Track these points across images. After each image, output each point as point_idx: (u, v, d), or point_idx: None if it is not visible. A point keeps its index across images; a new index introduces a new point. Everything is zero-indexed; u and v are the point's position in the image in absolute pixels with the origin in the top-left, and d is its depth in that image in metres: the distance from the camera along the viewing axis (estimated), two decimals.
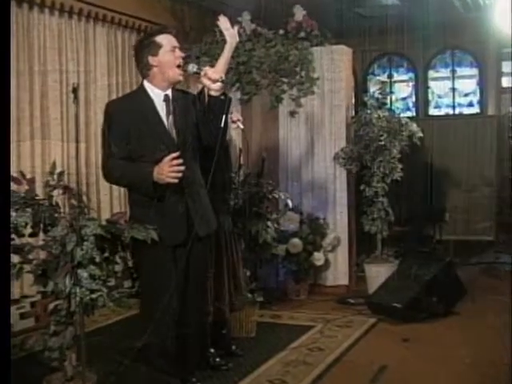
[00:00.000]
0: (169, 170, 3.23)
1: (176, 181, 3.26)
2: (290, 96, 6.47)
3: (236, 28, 3.64)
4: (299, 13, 6.52)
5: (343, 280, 6.38)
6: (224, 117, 3.36)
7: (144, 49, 3.45)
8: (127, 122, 3.37)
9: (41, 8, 5.41)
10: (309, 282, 6.28)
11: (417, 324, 5.15)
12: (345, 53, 6.43)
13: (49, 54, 5.49)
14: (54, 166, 3.37)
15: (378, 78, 10.26)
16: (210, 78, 3.36)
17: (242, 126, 4.47)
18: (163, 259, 3.37)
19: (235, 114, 4.47)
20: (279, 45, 6.42)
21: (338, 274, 6.38)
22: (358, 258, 6.51)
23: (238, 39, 3.60)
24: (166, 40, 3.44)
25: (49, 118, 5.49)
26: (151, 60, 3.42)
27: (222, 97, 3.39)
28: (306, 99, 6.44)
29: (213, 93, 3.39)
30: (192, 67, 3.45)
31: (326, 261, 6.30)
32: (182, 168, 3.26)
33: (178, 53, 3.46)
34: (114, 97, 6.06)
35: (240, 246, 4.67)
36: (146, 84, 3.48)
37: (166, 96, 3.46)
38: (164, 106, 3.45)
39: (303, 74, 6.38)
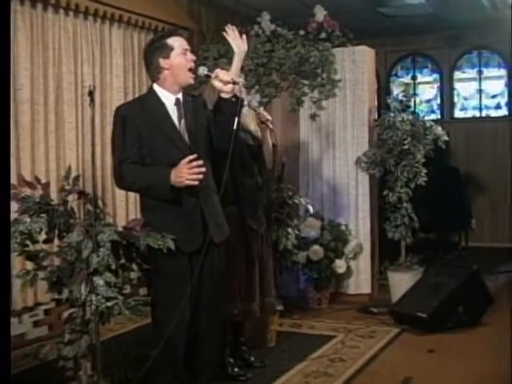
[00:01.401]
0: (188, 172, 3.24)
1: (196, 183, 3.27)
2: (310, 98, 6.48)
3: (244, 37, 3.62)
4: (320, 13, 6.52)
5: (365, 288, 6.37)
6: (236, 119, 3.37)
7: (155, 51, 3.46)
8: (139, 126, 3.38)
9: (55, 9, 5.44)
10: (330, 290, 6.26)
11: (442, 334, 5.12)
12: (367, 54, 6.42)
13: (64, 56, 5.53)
14: (69, 170, 3.39)
15: (401, 79, 10.24)
16: (221, 80, 3.38)
17: (271, 126, 4.48)
18: (178, 266, 3.37)
19: (263, 113, 4.48)
20: (299, 46, 6.42)
21: (361, 282, 6.37)
22: (380, 265, 6.49)
23: (246, 49, 3.59)
24: (177, 42, 3.46)
25: (63, 122, 5.52)
26: (162, 63, 3.44)
27: (234, 99, 3.41)
28: (328, 102, 6.44)
29: (224, 95, 3.42)
30: (203, 70, 3.47)
31: (348, 268, 6.28)
32: (203, 169, 3.27)
33: (190, 56, 3.48)
34: (130, 99, 6.10)
35: (270, 249, 4.67)
36: (157, 87, 3.50)
37: (177, 100, 3.48)
38: (175, 110, 3.47)
39: (324, 75, 6.38)
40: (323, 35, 6.43)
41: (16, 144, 5.07)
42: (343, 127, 6.41)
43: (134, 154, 3.36)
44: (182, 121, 3.46)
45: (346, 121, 6.39)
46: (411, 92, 9.70)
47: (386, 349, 4.96)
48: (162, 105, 3.46)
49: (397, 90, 9.71)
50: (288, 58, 6.43)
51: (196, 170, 3.25)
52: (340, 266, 6.15)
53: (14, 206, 3.83)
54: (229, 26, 3.59)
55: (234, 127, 3.38)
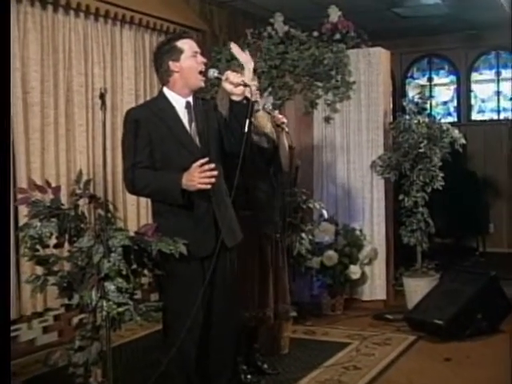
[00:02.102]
0: (200, 175, 3.24)
1: (208, 187, 3.27)
2: (324, 101, 6.48)
3: (247, 52, 3.69)
4: (334, 13, 6.52)
5: (381, 294, 6.35)
6: (247, 121, 3.38)
7: (164, 54, 3.47)
8: (150, 130, 3.39)
9: (66, 10, 5.46)
10: (344, 296, 6.26)
11: (460, 342, 5.09)
12: (382, 55, 6.42)
13: (74, 58, 5.55)
14: (80, 174, 3.40)
15: (417, 81, 10.22)
16: (231, 83, 3.39)
17: (286, 129, 4.48)
18: (190, 271, 3.38)
19: (278, 116, 4.49)
20: (313, 47, 6.43)
21: (376, 288, 6.36)
22: (396, 271, 6.47)
23: (252, 62, 3.65)
24: (187, 45, 3.47)
25: (74, 125, 5.54)
26: (172, 65, 3.45)
27: (245, 101, 3.41)
28: (342, 104, 6.44)
29: (235, 97, 3.42)
30: (213, 72, 3.47)
31: (363, 274, 6.27)
32: (215, 173, 3.27)
33: (200, 58, 3.49)
34: (141, 102, 6.12)
35: (285, 255, 4.67)
36: (167, 91, 3.50)
37: (188, 103, 3.49)
38: (186, 113, 3.48)
39: (339, 77, 6.38)
40: (337, 36, 6.43)
41: (26, 147, 5.10)
42: (358, 130, 6.40)
43: (145, 158, 3.37)
44: (193, 124, 3.47)
45: (361, 124, 6.39)
46: (427, 94, 9.68)
47: (402, 356, 4.94)
48: (173, 108, 3.47)
49: (412, 92, 9.68)
50: (302, 60, 6.44)
51: (208, 173, 3.25)
52: (354, 271, 6.14)
53: (24, 210, 3.86)
54: (232, 42, 3.72)
55: (246, 130, 3.39)
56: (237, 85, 3.39)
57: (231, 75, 3.41)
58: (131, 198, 6.01)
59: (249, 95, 3.45)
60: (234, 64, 6.27)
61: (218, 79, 3.49)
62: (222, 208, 3.49)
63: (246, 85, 3.40)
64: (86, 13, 5.64)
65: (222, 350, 3.57)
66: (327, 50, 6.36)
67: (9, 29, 4.70)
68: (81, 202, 3.38)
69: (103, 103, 3.21)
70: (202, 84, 3.51)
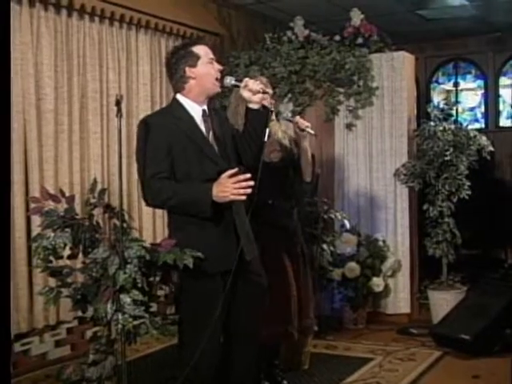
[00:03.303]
0: (235, 186, 3.19)
1: (243, 197, 3.23)
2: (346, 107, 6.48)
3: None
4: (357, 17, 6.53)
5: (405, 308, 6.33)
6: (266, 130, 3.39)
7: (180, 60, 3.45)
8: (169, 139, 3.37)
9: (80, 14, 5.52)
10: (367, 309, 6.24)
11: (488, 358, 5.06)
12: (406, 59, 6.41)
13: (89, 64, 5.60)
14: (94, 182, 3.42)
15: (442, 86, 10.18)
16: (250, 90, 3.40)
17: (312, 132, 4.48)
18: (211, 286, 3.37)
19: (300, 120, 4.49)
20: (335, 52, 6.43)
21: (399, 301, 6.33)
22: (420, 283, 6.45)
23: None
24: (203, 51, 3.48)
25: (88, 132, 5.58)
26: (189, 71, 3.44)
27: (262, 109, 3.43)
28: (364, 111, 6.44)
29: (253, 105, 3.43)
30: (230, 80, 3.48)
31: (386, 287, 6.26)
32: (252, 183, 3.22)
33: (217, 66, 3.49)
34: (157, 108, 6.14)
35: (308, 268, 4.67)
36: (181, 98, 3.49)
37: (204, 111, 3.49)
38: (203, 121, 3.48)
39: (361, 83, 6.38)
40: (360, 40, 6.44)
41: (39, 155, 5.14)
42: (381, 137, 6.40)
43: (166, 169, 3.33)
44: (211, 133, 3.47)
45: (384, 131, 6.38)
46: (453, 99, 9.64)
47: (427, 373, 4.92)
48: (191, 117, 3.46)
49: (438, 98, 9.67)
50: (322, 65, 6.44)
51: (244, 184, 3.20)
52: (377, 284, 6.12)
53: (37, 220, 3.90)
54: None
55: (265, 139, 3.39)
56: (255, 92, 3.40)
57: (250, 82, 3.42)
58: (147, 208, 6.03)
59: (266, 103, 3.45)
60: (252, 69, 6.34)
61: (236, 86, 3.50)
62: (241, 219, 3.48)
63: (264, 92, 3.41)
64: (101, 17, 5.70)
65: (243, 367, 3.56)
66: (349, 55, 6.36)
67: (9, 29, 4.75)
68: (95, 211, 3.39)
69: (119, 110, 3.22)
70: (219, 89, 3.51)
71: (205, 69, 3.45)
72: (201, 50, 3.48)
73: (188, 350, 3.40)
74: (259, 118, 3.43)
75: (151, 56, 6.21)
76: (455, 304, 5.73)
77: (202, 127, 3.47)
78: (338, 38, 6.54)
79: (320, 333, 5.36)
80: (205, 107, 3.51)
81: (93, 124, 5.62)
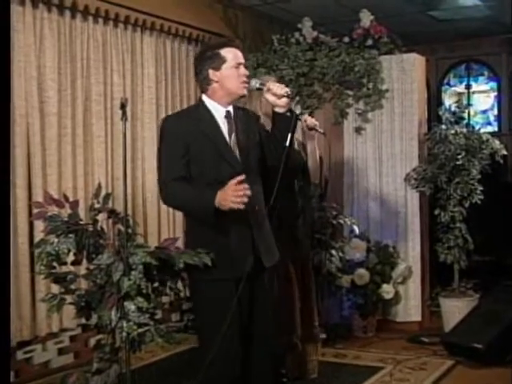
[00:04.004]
0: (233, 194, 3.19)
1: (241, 206, 3.21)
2: (355, 110, 6.49)
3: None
4: (366, 18, 6.54)
5: (415, 316, 6.32)
6: (290, 135, 3.37)
7: (205, 61, 3.45)
8: (188, 140, 3.38)
9: (84, 16, 5.53)
10: (377, 317, 6.24)
11: (501, 368, 5.04)
12: (417, 61, 6.42)
13: (93, 66, 5.61)
14: (99, 187, 3.44)
15: (454, 88, 10.18)
16: (274, 94, 3.38)
17: (321, 131, 4.46)
18: (224, 293, 3.34)
19: (309, 119, 4.48)
20: (344, 54, 6.44)
21: (410, 308, 6.33)
22: (432, 291, 6.44)
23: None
24: (231, 54, 3.44)
25: (92, 136, 5.60)
26: (212, 74, 3.43)
27: (288, 113, 3.41)
28: (374, 114, 6.45)
29: (278, 109, 3.41)
30: (255, 83, 3.45)
31: (396, 294, 6.25)
32: (248, 193, 3.21)
33: (243, 70, 3.46)
34: (162, 111, 6.18)
35: (312, 275, 4.68)
36: (206, 99, 3.49)
37: (228, 112, 3.47)
38: (226, 123, 3.46)
39: (370, 85, 6.38)
40: (369, 42, 6.44)
41: (42, 159, 5.16)
42: (391, 141, 6.40)
43: (182, 170, 3.36)
44: (233, 135, 3.45)
45: (394, 134, 6.38)
46: (465, 102, 9.56)
47: (439, 383, 4.92)
48: (212, 117, 3.46)
49: (449, 101, 9.66)
50: (331, 67, 6.45)
51: (241, 192, 3.18)
52: (387, 291, 6.12)
53: (40, 225, 3.91)
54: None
55: (287, 144, 3.37)
56: (280, 96, 3.38)
57: (274, 86, 3.39)
58: (152, 212, 6.06)
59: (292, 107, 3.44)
60: (259, 72, 6.36)
61: (260, 89, 3.49)
62: (260, 225, 3.47)
63: (289, 96, 3.39)
64: (105, 18, 5.71)
65: (259, 375, 3.56)
66: (358, 57, 6.37)
67: (9, 29, 4.78)
68: (100, 216, 3.41)
69: (124, 113, 3.25)
70: (245, 91, 3.47)
71: (229, 73, 3.42)
72: (229, 53, 3.44)
73: (202, 354, 3.41)
74: (284, 122, 3.41)
75: (156, 58, 6.21)
76: (467, 312, 5.72)
77: (224, 129, 3.45)
78: (346, 39, 6.55)
79: (329, 341, 5.37)
80: (229, 108, 3.49)
81: (97, 127, 5.63)
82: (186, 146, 3.37)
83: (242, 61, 3.48)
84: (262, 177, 3.54)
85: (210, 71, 3.42)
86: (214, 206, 3.23)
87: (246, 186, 3.20)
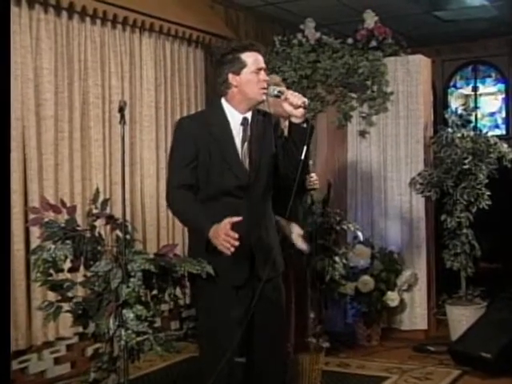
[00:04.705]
0: (223, 238, 3.21)
1: (229, 253, 3.23)
2: (359, 113, 6.50)
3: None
4: (370, 19, 6.55)
5: (421, 324, 6.33)
6: (306, 148, 3.35)
7: (225, 64, 3.45)
8: (199, 145, 3.40)
9: (82, 17, 5.53)
10: (381, 325, 6.25)
11: (510, 378, 5.04)
12: (422, 63, 6.43)
13: (90, 68, 5.61)
14: (97, 192, 3.44)
15: (460, 91, 10.19)
16: (291, 103, 3.37)
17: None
18: (223, 301, 3.39)
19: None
20: (347, 55, 6.46)
21: (416, 316, 6.33)
22: (438, 298, 6.45)
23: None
24: (252, 59, 3.43)
25: (90, 139, 5.60)
26: (231, 78, 3.43)
27: (304, 124, 3.39)
28: (378, 117, 6.46)
29: (294, 119, 3.39)
30: (273, 90, 3.44)
31: (402, 301, 6.26)
32: (237, 244, 3.21)
33: (263, 76, 3.45)
34: (161, 115, 6.20)
35: (308, 285, 4.69)
36: (224, 103, 3.50)
37: (245, 119, 3.48)
38: (240, 131, 3.47)
39: (375, 88, 6.40)
40: (373, 43, 6.46)
41: (39, 164, 5.16)
42: (396, 145, 6.41)
43: (187, 176, 3.40)
44: (246, 144, 3.46)
45: (399, 138, 6.39)
46: (472, 105, 9.64)
47: None
48: (227, 124, 3.46)
49: (456, 103, 9.67)
50: (334, 69, 6.47)
51: (231, 241, 3.20)
52: (392, 298, 6.12)
53: (37, 231, 3.91)
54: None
55: (302, 157, 3.36)
56: (297, 106, 3.37)
57: (291, 96, 3.37)
58: (151, 218, 6.06)
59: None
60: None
61: (278, 97, 3.47)
62: (264, 237, 3.49)
63: (306, 107, 3.37)
64: (103, 19, 5.71)
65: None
66: (362, 59, 6.39)
67: (9, 29, 4.78)
68: (98, 222, 3.41)
69: (122, 117, 3.25)
70: (264, 97, 3.46)
71: (248, 78, 3.42)
72: (250, 57, 3.44)
73: (202, 361, 3.49)
74: (300, 133, 3.39)
75: (155, 60, 6.22)
76: (475, 320, 5.71)
77: (238, 137, 3.46)
78: (350, 40, 6.57)
79: (332, 350, 5.35)
80: (247, 115, 3.49)
81: (94, 131, 5.63)
82: (196, 151, 3.40)
83: (263, 65, 3.47)
84: (273, 186, 3.55)
85: (230, 75, 3.43)
86: (208, 237, 3.28)
87: (236, 235, 3.20)
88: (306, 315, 4.59)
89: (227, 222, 3.22)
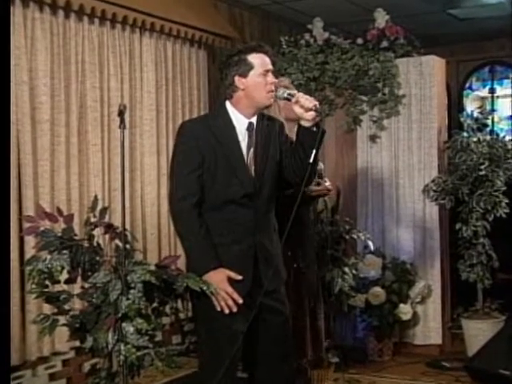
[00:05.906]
0: (223, 296, 3.33)
1: (227, 311, 3.35)
2: (370, 117, 6.51)
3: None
4: (381, 18, 6.56)
5: (435, 338, 6.32)
6: (315, 152, 3.38)
7: (232, 66, 3.48)
8: (203, 151, 3.42)
9: (79, 16, 5.54)
10: (393, 339, 6.24)
11: None
12: (436, 64, 6.43)
13: (88, 70, 5.62)
14: (95, 200, 3.45)
15: (476, 93, 10.19)
16: (302, 106, 3.39)
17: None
18: (226, 313, 3.41)
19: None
20: (357, 56, 6.47)
21: (429, 330, 6.33)
22: (453, 311, 6.43)
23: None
24: (259, 60, 3.47)
25: (87, 144, 5.60)
26: (238, 81, 3.46)
27: (314, 128, 3.42)
28: (390, 121, 6.46)
29: (304, 123, 3.42)
30: (283, 92, 3.47)
31: (415, 314, 6.26)
32: (234, 310, 3.34)
33: (271, 78, 3.48)
34: (163, 118, 6.20)
35: (320, 295, 4.70)
36: (229, 107, 3.53)
37: (250, 124, 3.51)
38: (246, 136, 3.50)
39: (386, 90, 6.41)
40: (385, 44, 6.46)
41: (34, 170, 5.16)
42: (408, 150, 6.41)
43: (191, 185, 3.42)
44: (252, 150, 3.49)
45: (412, 143, 6.40)
46: (489, 107, 9.64)
47: None
48: (233, 129, 3.49)
49: (471, 106, 9.67)
50: (344, 71, 6.47)
51: (230, 302, 3.34)
52: (405, 311, 6.12)
53: (32, 241, 3.92)
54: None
55: (311, 161, 3.39)
56: (308, 109, 3.39)
57: (302, 98, 3.40)
58: (152, 226, 6.07)
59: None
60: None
61: (287, 100, 3.50)
62: (267, 247, 3.52)
63: (317, 110, 3.40)
64: (102, 19, 5.71)
65: None
66: (373, 60, 6.40)
67: (9, 29, 4.79)
68: (96, 231, 3.42)
69: (122, 121, 3.26)
70: (271, 101, 3.51)
71: (256, 81, 3.45)
72: (257, 59, 3.47)
73: (203, 375, 3.52)
74: (309, 137, 3.41)
75: (156, 61, 6.23)
76: (492, 335, 5.70)
77: (243, 142, 3.49)
78: (360, 41, 6.57)
79: (341, 365, 5.35)
80: (252, 120, 3.52)
81: (92, 136, 5.63)
82: (201, 157, 3.42)
83: (271, 67, 3.50)
84: (277, 192, 3.57)
85: (236, 78, 3.46)
86: (202, 275, 3.34)
87: (240, 300, 3.33)
88: (319, 329, 4.59)
89: (229, 289, 3.33)
